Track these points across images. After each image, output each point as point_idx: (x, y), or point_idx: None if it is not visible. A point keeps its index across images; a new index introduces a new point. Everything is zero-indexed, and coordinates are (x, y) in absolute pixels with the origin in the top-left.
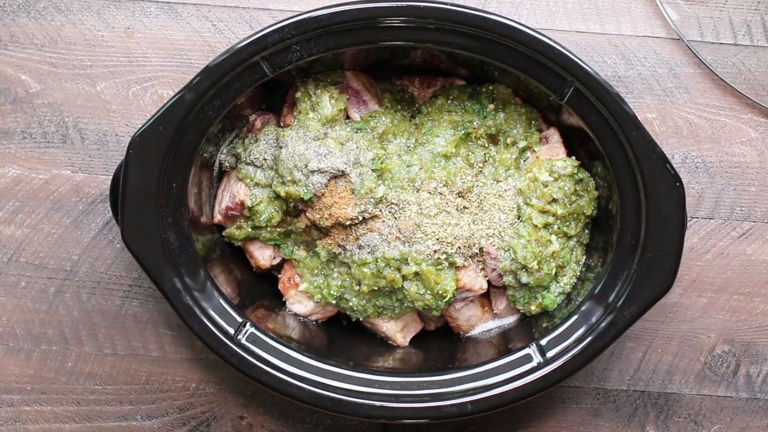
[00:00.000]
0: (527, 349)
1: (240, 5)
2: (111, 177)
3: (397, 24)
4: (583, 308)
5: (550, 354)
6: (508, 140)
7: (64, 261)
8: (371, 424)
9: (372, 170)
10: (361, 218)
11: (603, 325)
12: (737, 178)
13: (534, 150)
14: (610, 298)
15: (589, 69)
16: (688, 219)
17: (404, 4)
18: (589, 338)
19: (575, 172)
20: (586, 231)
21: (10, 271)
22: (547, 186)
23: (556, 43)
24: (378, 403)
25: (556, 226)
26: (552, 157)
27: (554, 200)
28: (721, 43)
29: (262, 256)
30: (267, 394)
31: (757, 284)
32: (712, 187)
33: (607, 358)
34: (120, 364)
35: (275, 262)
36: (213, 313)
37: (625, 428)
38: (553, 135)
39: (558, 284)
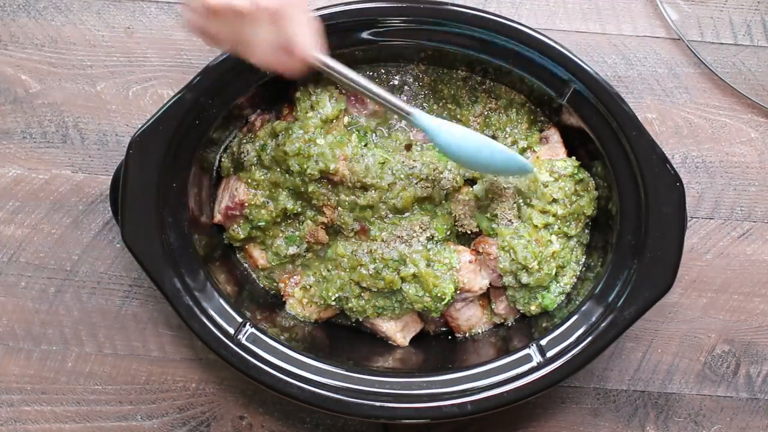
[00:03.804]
0: (527, 349)
1: None
2: (111, 177)
3: (397, 24)
4: (583, 308)
5: (550, 354)
6: (508, 140)
7: (64, 261)
8: (371, 424)
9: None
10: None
11: (603, 325)
12: (737, 178)
13: (534, 150)
14: (610, 298)
15: (589, 69)
16: (688, 219)
17: (404, 4)
18: (589, 338)
19: (575, 172)
20: (586, 231)
21: (10, 271)
22: (547, 186)
23: (556, 43)
24: (378, 403)
25: (556, 227)
26: (552, 157)
27: (554, 200)
28: (721, 43)
29: (262, 256)
30: (267, 394)
31: (757, 284)
32: (712, 187)
33: (607, 358)
34: (120, 364)
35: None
36: (213, 313)
37: (625, 428)
38: (553, 135)
39: (558, 284)
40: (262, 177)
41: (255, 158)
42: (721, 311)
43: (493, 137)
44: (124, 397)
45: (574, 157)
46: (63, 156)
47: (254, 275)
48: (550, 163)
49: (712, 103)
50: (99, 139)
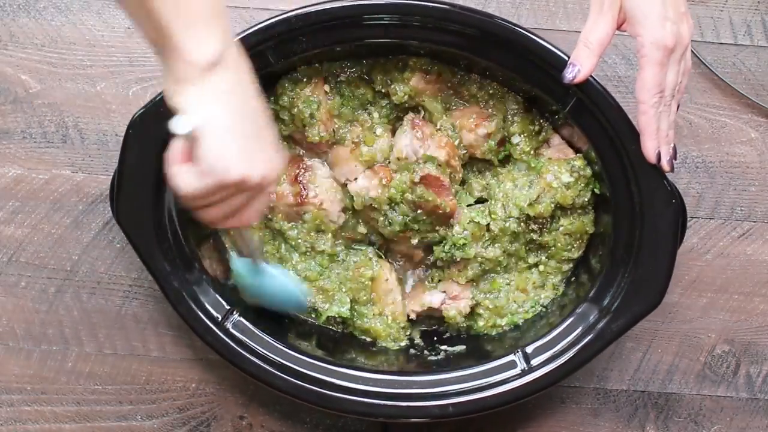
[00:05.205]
0: (512, 355)
1: (240, 5)
2: (111, 177)
3: (387, 22)
4: (570, 319)
5: (534, 362)
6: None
7: (64, 261)
8: (371, 424)
9: None
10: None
11: (589, 336)
12: (737, 178)
13: (542, 153)
14: (598, 311)
15: (591, 80)
16: (688, 219)
17: (394, 2)
18: (575, 349)
19: (591, 174)
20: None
21: (10, 271)
22: (569, 188)
23: (560, 50)
24: (357, 398)
25: (552, 262)
26: (564, 157)
27: (570, 208)
28: (721, 43)
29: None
30: (267, 394)
31: (757, 284)
32: (712, 187)
33: (607, 358)
34: (120, 364)
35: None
36: (201, 299)
37: (625, 428)
38: (554, 137)
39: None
40: None
41: None
42: (721, 311)
43: (504, 139)
44: (124, 397)
45: (581, 155)
46: (63, 156)
47: None
48: (569, 162)
49: (712, 103)
50: (99, 139)
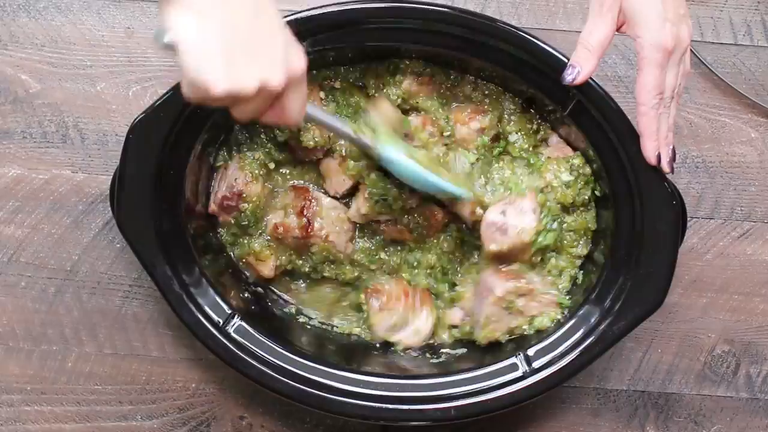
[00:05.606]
0: (514, 358)
1: None
2: (111, 177)
3: (386, 25)
4: (572, 322)
5: (536, 364)
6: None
7: (64, 261)
8: (371, 425)
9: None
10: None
11: (591, 339)
12: (737, 178)
13: (541, 152)
14: (600, 313)
15: (592, 82)
16: (688, 219)
17: (393, 5)
18: (577, 351)
19: (590, 173)
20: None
21: (10, 271)
22: (570, 187)
23: (556, 50)
24: (361, 402)
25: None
26: (564, 156)
27: (572, 205)
28: (721, 43)
29: (266, 267)
30: (267, 394)
31: (757, 284)
32: (712, 187)
33: (607, 358)
34: (120, 364)
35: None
36: (202, 303)
37: (625, 428)
38: (552, 136)
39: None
40: (263, 157)
41: (257, 140)
42: (721, 311)
43: (498, 136)
44: (124, 397)
45: (580, 152)
46: (63, 156)
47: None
48: (568, 161)
49: (712, 103)
50: (99, 139)
